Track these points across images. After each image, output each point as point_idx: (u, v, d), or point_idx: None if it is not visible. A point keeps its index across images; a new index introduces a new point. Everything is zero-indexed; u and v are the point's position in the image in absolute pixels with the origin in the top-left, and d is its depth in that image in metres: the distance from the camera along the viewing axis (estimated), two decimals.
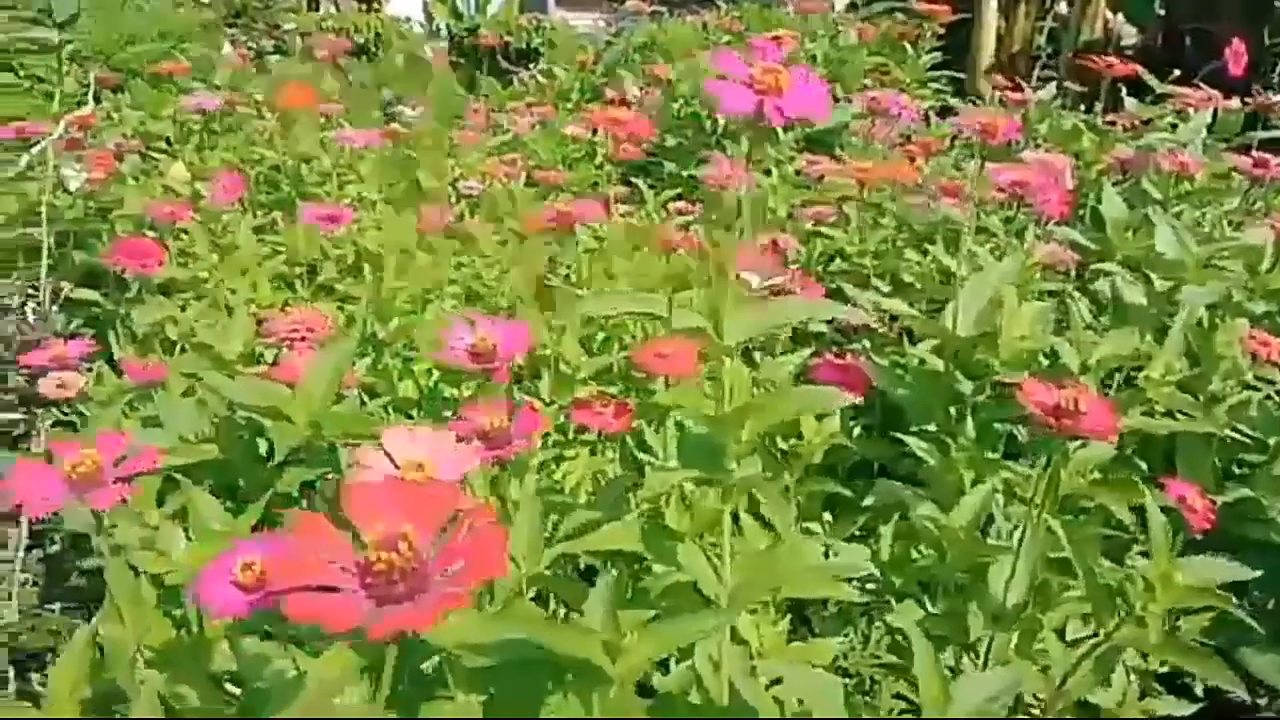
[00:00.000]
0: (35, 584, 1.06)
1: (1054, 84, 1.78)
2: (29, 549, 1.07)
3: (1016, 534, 0.78)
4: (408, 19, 5.06)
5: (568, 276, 1.49)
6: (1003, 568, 0.72)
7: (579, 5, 5.35)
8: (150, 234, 1.36)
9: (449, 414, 1.02)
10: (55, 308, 1.15)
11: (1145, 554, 0.95)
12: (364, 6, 5.82)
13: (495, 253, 1.53)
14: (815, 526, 0.97)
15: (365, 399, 1.03)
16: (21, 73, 2.27)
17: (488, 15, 4.66)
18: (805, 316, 0.73)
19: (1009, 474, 0.87)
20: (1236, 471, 0.98)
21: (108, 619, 0.60)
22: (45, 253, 1.28)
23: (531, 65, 3.94)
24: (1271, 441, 0.95)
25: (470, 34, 4.24)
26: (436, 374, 1.08)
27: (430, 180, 1.93)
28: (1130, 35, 4.44)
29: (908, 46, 2.08)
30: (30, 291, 1.25)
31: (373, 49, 4.31)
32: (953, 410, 0.97)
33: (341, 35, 4.44)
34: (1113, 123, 1.52)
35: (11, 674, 0.93)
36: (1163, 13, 4.36)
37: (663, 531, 0.68)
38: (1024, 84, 2.51)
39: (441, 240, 1.46)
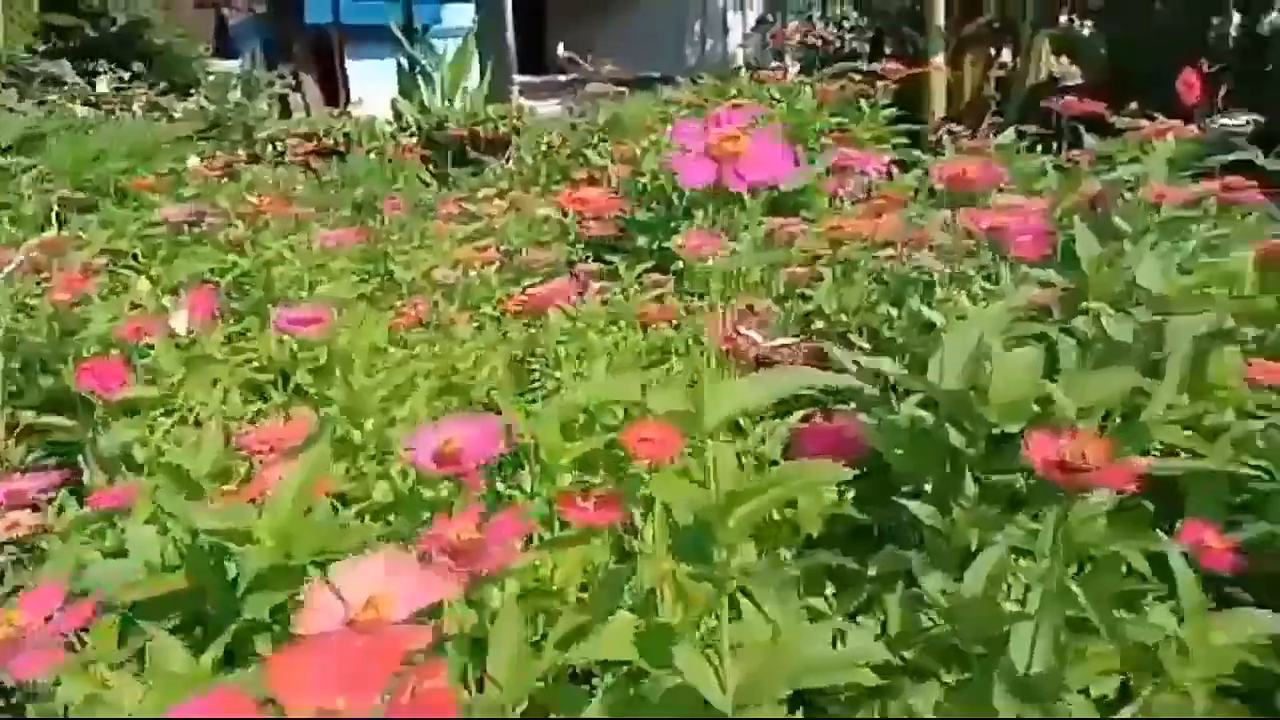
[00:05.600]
0: None
1: (1012, 128, 1.81)
2: None
3: (1033, 596, 0.74)
4: (376, 118, 5.16)
5: (545, 359, 1.46)
6: (1022, 635, 0.67)
7: (541, 93, 5.48)
8: (116, 353, 1.34)
9: (428, 517, 0.98)
10: (12, 440, 1.10)
11: (1161, 598, 0.90)
12: (334, 110, 5.94)
13: (472, 341, 1.51)
14: (819, 602, 0.93)
15: (339, 507, 0.98)
16: None
17: (455, 108, 4.75)
18: (792, 389, 0.70)
19: (1017, 530, 0.84)
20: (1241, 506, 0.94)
21: None
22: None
23: (500, 154, 3.99)
24: None
25: (439, 128, 4.31)
26: (413, 476, 1.04)
27: (405, 273, 1.93)
28: (1074, 76, 4.57)
29: (863, 104, 2.12)
30: None
31: (344, 150, 4.36)
32: (949, 468, 0.94)
33: (312, 139, 4.52)
34: (1075, 161, 1.53)
35: None
36: (1105, 52, 4.50)
37: (658, 632, 0.64)
38: (978, 130, 2.55)
39: (413, 333, 1.44)
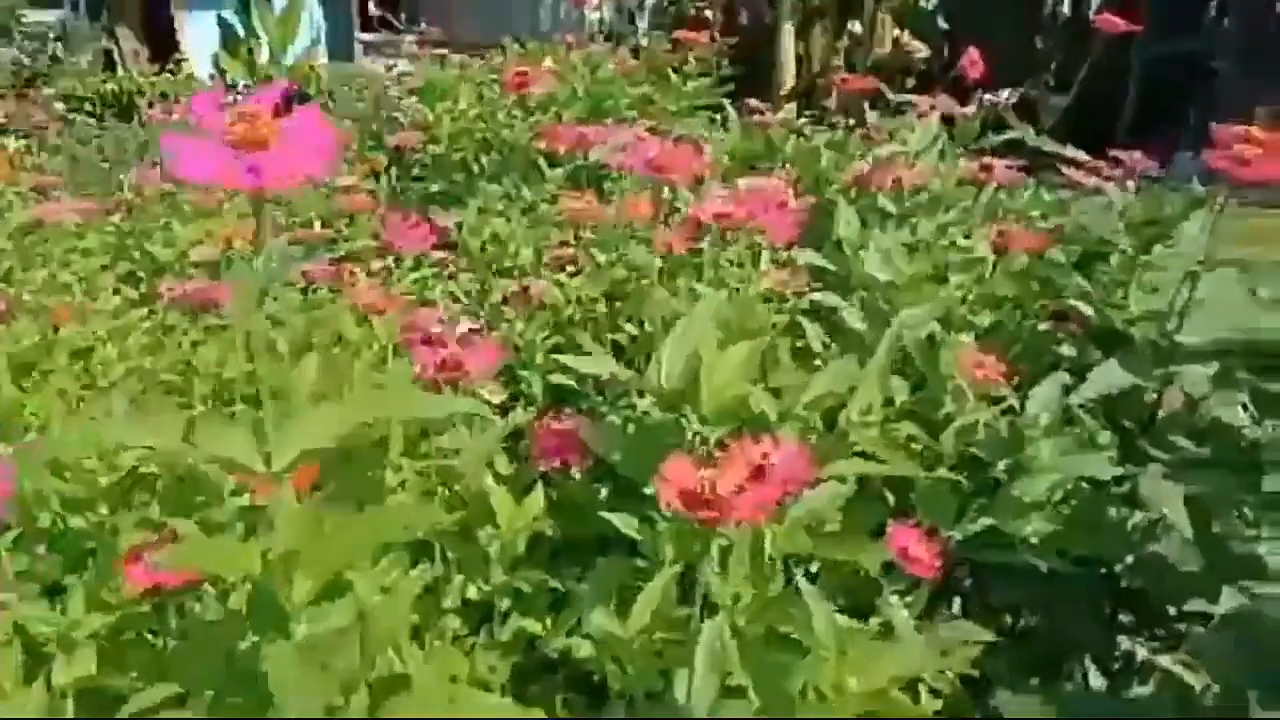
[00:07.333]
0: None
1: (793, 104, 1.77)
2: None
3: (706, 627, 0.68)
4: (200, 77, 4.78)
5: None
6: (682, 682, 0.61)
7: (387, 51, 5.17)
8: None
9: None
10: None
11: (899, 594, 0.87)
12: (160, 68, 5.43)
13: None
14: (534, 625, 0.85)
15: None
16: None
17: (284, 66, 4.42)
18: (390, 414, 0.61)
19: (725, 541, 0.77)
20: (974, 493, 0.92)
21: None
22: None
23: None
24: (1002, 465, 0.90)
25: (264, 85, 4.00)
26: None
27: (163, 251, 1.73)
28: (921, 50, 4.65)
29: (671, 75, 2.03)
30: None
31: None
32: None
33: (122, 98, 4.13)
34: (866, 137, 1.50)
35: None
36: (946, 27, 4.60)
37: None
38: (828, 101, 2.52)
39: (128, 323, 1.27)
